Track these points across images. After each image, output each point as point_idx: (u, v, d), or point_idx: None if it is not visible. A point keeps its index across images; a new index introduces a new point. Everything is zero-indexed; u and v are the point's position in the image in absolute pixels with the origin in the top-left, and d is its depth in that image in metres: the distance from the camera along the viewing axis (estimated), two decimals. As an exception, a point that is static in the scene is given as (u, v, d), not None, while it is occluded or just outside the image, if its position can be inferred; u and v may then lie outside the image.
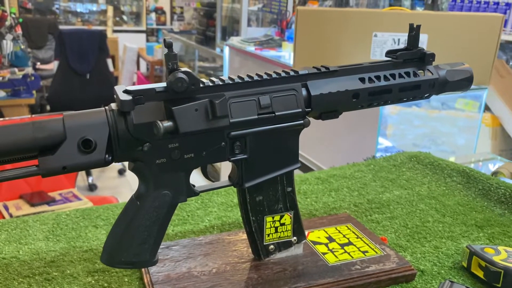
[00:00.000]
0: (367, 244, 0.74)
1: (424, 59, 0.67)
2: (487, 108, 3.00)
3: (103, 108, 0.53)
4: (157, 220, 0.58)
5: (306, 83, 0.61)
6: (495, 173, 1.09)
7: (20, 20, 3.75)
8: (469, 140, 2.57)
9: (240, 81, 0.58)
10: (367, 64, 0.65)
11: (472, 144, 2.49)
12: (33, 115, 2.20)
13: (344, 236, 0.76)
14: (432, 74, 0.68)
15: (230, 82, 0.57)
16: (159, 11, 7.12)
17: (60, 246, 0.73)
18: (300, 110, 0.60)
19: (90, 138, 0.51)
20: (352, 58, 2.11)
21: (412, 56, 0.67)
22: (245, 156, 0.60)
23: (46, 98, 3.97)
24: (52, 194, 2.14)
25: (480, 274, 0.69)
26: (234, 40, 3.23)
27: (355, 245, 0.73)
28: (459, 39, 1.94)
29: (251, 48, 2.97)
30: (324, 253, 0.71)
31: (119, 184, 4.02)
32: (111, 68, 4.14)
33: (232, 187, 0.64)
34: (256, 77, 0.59)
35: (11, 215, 1.94)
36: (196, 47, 4.19)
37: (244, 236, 0.74)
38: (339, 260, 0.69)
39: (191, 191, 0.60)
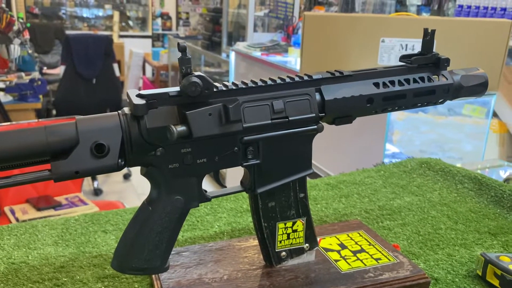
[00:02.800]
0: (380, 252, 0.72)
1: (438, 64, 0.66)
2: (494, 115, 2.98)
3: (116, 112, 0.53)
4: (169, 226, 0.57)
5: (320, 88, 0.60)
6: (507, 180, 1.08)
7: (28, 25, 3.77)
8: (477, 147, 2.55)
9: (253, 85, 0.57)
10: (381, 69, 0.65)
11: (479, 150, 2.47)
12: (40, 119, 2.21)
13: (356, 243, 0.75)
14: (447, 79, 0.67)
15: (243, 86, 0.57)
16: (165, 16, 7.15)
17: (69, 251, 0.73)
18: (314, 115, 0.60)
19: (103, 143, 0.50)
20: (360, 64, 2.10)
21: (426, 61, 0.66)
22: (258, 161, 0.59)
23: (52, 102, 3.99)
24: (59, 199, 2.14)
25: (496, 282, 0.68)
26: (240, 46, 3.23)
27: (367, 252, 0.72)
28: (467, 45, 1.93)
29: (257, 54, 2.96)
30: (336, 260, 0.69)
31: (125, 188, 4.02)
32: (117, 73, 4.16)
33: (243, 193, 0.63)
34: (269, 82, 0.58)
35: (17, 219, 1.94)
36: (202, 52, 4.20)
37: (255, 242, 0.73)
38: (352, 268, 0.68)
39: (203, 197, 0.59)
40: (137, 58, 5.68)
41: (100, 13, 7.08)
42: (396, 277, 0.66)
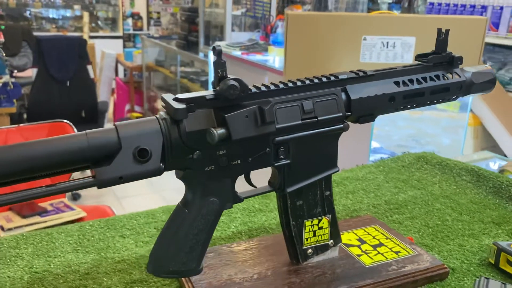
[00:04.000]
0: (398, 245, 0.75)
1: (452, 62, 0.69)
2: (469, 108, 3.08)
3: (154, 117, 0.53)
4: (205, 228, 0.58)
5: (346, 88, 0.62)
6: (501, 171, 1.13)
7: (2, 27, 3.66)
8: (454, 140, 2.63)
9: (284, 86, 0.58)
10: (400, 68, 0.67)
11: (456, 143, 2.55)
12: (20, 125, 2.16)
13: (373, 237, 0.77)
14: (460, 76, 0.70)
15: (275, 88, 0.58)
16: (135, 16, 7.05)
17: (91, 258, 0.72)
18: (341, 114, 0.61)
19: (146, 147, 0.50)
20: (342, 62, 2.14)
21: (441, 59, 0.68)
22: (288, 161, 0.61)
23: (25, 106, 3.88)
24: (43, 205, 2.09)
25: (510, 269, 0.71)
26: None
27: (386, 246, 0.74)
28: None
29: (237, 53, 2.97)
30: (359, 255, 0.71)
31: (103, 193, 3.96)
32: (92, 75, 4.08)
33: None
34: (299, 83, 0.59)
35: (2, 228, 1.89)
36: (178, 52, 4.17)
37: (276, 241, 0.74)
38: (375, 262, 0.70)
39: (237, 198, 0.60)
40: (109, 59, 5.57)
41: (68, 13, 6.92)
42: (417, 269, 0.69)
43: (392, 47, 2.11)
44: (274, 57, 2.91)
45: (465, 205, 0.95)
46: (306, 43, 2.11)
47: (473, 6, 3.43)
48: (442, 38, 0.68)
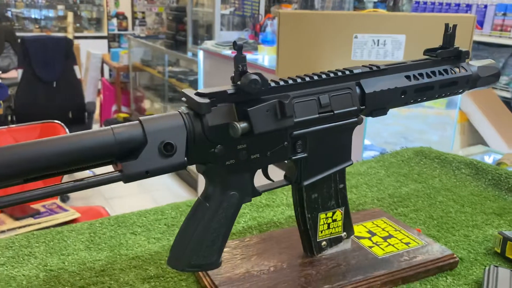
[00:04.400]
0: (407, 236, 0.76)
1: (460, 56, 0.71)
2: (456, 104, 3.13)
3: (177, 112, 0.53)
4: (226, 221, 0.58)
5: (360, 82, 0.63)
6: (498, 164, 1.15)
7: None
8: (441, 136, 2.67)
9: (301, 81, 0.59)
10: (410, 62, 0.68)
11: (444, 139, 2.59)
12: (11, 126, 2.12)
13: (383, 229, 0.78)
14: (466, 70, 0.72)
15: (292, 82, 0.59)
16: (120, 16, 6.99)
17: (104, 255, 0.72)
18: (356, 108, 0.63)
19: (171, 142, 0.51)
20: (334, 60, 2.15)
21: (449, 54, 0.70)
22: (305, 154, 0.62)
23: (12, 108, 3.82)
24: (36, 207, 2.07)
25: (516, 258, 0.73)
26: (208, 44, 3.22)
27: (396, 238, 0.76)
28: (435, 39, 2.01)
29: (227, 52, 2.97)
30: (370, 247, 0.73)
31: (91, 194, 3.92)
32: (78, 76, 4.04)
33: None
34: (315, 77, 0.60)
35: (-5, 230, 1.86)
36: (166, 52, 4.15)
37: (287, 234, 0.75)
38: (387, 253, 0.71)
39: (255, 191, 0.60)
40: (95, 60, 5.52)
41: (51, 14, 6.84)
42: (428, 259, 0.70)
43: (383, 45, 2.13)
44: (264, 56, 2.92)
45: (466, 197, 0.97)
46: (298, 42, 2.12)
47: (458, 5, 3.49)
48: (449, 33, 0.70)
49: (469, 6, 3.41)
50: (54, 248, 0.74)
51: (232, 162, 0.57)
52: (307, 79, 0.60)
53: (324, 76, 0.61)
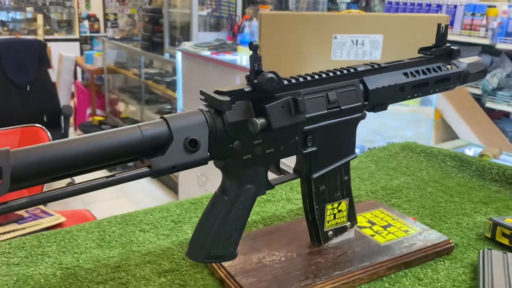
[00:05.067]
0: (405, 224, 0.81)
1: (451, 54, 0.76)
2: (429, 102, 3.24)
3: (199, 109, 0.56)
4: (242, 213, 0.61)
5: (363, 79, 0.67)
6: (481, 156, 1.21)
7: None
8: (416, 133, 2.76)
9: (311, 78, 0.63)
10: (407, 60, 0.73)
11: (418, 136, 2.67)
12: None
13: (381, 219, 0.83)
14: (458, 67, 0.77)
15: (303, 80, 0.62)
16: (92, 18, 6.90)
17: (117, 252, 0.74)
18: (360, 103, 0.66)
19: (195, 138, 0.53)
20: (315, 60, 2.20)
21: (442, 52, 0.75)
22: (315, 148, 0.65)
23: (-16, 112, 3.73)
24: (19, 212, 2.04)
25: (506, 241, 0.79)
26: (186, 45, 3.23)
27: (395, 226, 0.80)
28: (411, 38, 2.09)
29: (206, 53, 2.99)
30: (372, 235, 0.77)
31: (70, 199, 3.85)
32: (53, 79, 3.98)
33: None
34: (323, 75, 0.64)
35: (-21, 237, 1.83)
36: (143, 53, 4.13)
37: (292, 227, 0.79)
38: (388, 240, 0.75)
39: (269, 184, 0.63)
40: (68, 63, 5.43)
41: (19, 16, 6.68)
42: (427, 245, 0.75)
43: (361, 45, 2.19)
44: (241, 57, 2.95)
45: (453, 188, 1.03)
46: (279, 42, 2.16)
47: (429, 5, 3.60)
48: (442, 32, 0.74)
49: (439, 7, 3.52)
50: (66, 247, 0.75)
51: (249, 157, 0.60)
52: (316, 76, 0.63)
53: (331, 74, 0.64)
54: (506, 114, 3.37)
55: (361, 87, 0.67)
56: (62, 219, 1.99)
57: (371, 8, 4.61)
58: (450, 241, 0.77)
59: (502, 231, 0.79)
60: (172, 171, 0.52)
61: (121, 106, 5.38)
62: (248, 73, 0.58)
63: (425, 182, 1.06)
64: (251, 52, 0.56)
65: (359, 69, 0.67)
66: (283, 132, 0.61)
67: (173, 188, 3.71)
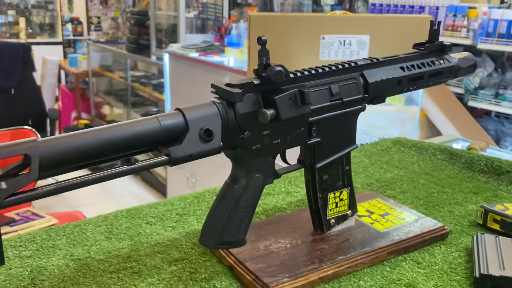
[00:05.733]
0: (401, 213, 0.84)
1: (444, 49, 0.80)
2: (414, 101, 3.31)
3: (211, 101, 0.59)
4: (252, 201, 0.64)
5: (363, 72, 0.71)
6: (469, 149, 1.26)
7: None
8: (402, 132, 2.82)
9: (315, 72, 0.66)
10: (402, 55, 0.76)
11: (404, 134, 2.73)
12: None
13: (379, 208, 0.86)
14: (450, 62, 0.81)
15: (307, 73, 0.65)
16: (75, 21, 6.85)
17: (126, 244, 0.76)
18: (361, 96, 0.70)
19: (210, 128, 0.56)
20: (303, 60, 2.24)
21: (435, 47, 0.79)
22: (319, 139, 0.68)
23: (-32, 116, 3.69)
24: (9, 215, 2.03)
25: (496, 227, 0.83)
26: (174, 47, 3.24)
27: (392, 215, 0.84)
28: (396, 39, 2.15)
29: (194, 55, 3.01)
30: (371, 223, 0.80)
31: (56, 203, 3.84)
32: (38, 82, 3.95)
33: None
34: (326, 69, 0.67)
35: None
36: (129, 56, 4.13)
37: (294, 217, 0.82)
38: (386, 227, 0.79)
39: (276, 174, 0.66)
40: (52, 66, 5.39)
41: (0, 19, 6.60)
42: (423, 231, 0.78)
43: (349, 45, 2.24)
44: (228, 58, 2.98)
45: (444, 180, 1.07)
46: (268, 43, 2.18)
47: (412, 7, 3.68)
48: (435, 29, 0.78)
49: (422, 8, 3.60)
50: (76, 239, 0.77)
51: (258, 147, 0.62)
52: (320, 70, 0.66)
53: (333, 67, 0.68)
54: (487, 113, 3.46)
55: (361, 80, 0.71)
56: (54, 221, 1.99)
57: (355, 10, 4.68)
58: (445, 227, 0.81)
59: (493, 217, 0.83)
60: (188, 160, 0.55)
61: (106, 109, 5.36)
62: (256, 67, 0.61)
63: (417, 174, 1.10)
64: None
65: (359, 63, 0.70)
66: (290, 123, 0.64)
67: (161, 190, 3.71)
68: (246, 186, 0.63)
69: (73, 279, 0.66)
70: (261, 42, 0.59)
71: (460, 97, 3.36)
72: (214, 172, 2.81)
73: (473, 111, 3.32)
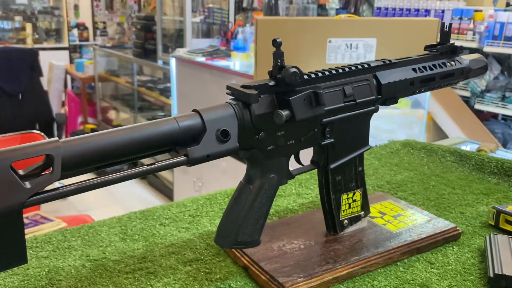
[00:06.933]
0: (413, 214, 0.85)
1: (455, 51, 0.80)
2: (420, 105, 3.31)
3: (227, 103, 0.59)
4: (267, 202, 0.64)
5: (376, 74, 0.71)
6: (478, 151, 1.26)
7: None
8: (409, 135, 2.82)
9: (329, 74, 0.66)
10: (414, 57, 0.77)
11: (411, 138, 2.73)
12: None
13: (391, 209, 0.87)
14: (461, 63, 0.81)
15: (321, 75, 0.66)
16: (81, 27, 6.90)
17: (141, 245, 0.76)
18: (374, 97, 0.70)
19: (227, 129, 0.57)
20: (310, 63, 2.25)
21: (446, 49, 0.79)
22: (332, 140, 0.69)
23: (-24, 121, 3.72)
24: (19, 218, 2.04)
25: (509, 227, 0.83)
26: (180, 52, 3.26)
27: (404, 216, 0.84)
28: (403, 41, 2.15)
29: (201, 59, 3.02)
30: (383, 224, 0.81)
31: (63, 206, 3.86)
32: (45, 87, 3.98)
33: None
34: (340, 70, 0.68)
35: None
36: (135, 60, 4.15)
37: (307, 219, 0.82)
38: (399, 228, 0.79)
39: (290, 174, 0.67)
40: (58, 71, 5.43)
41: (6, 25, 6.66)
42: (436, 231, 0.79)
43: (355, 48, 2.24)
44: (234, 62, 2.99)
45: (455, 181, 1.07)
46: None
47: (417, 10, 3.69)
48: (446, 31, 0.79)
49: (427, 11, 3.61)
50: (91, 241, 0.77)
51: (272, 147, 0.63)
52: (333, 72, 0.67)
53: (347, 69, 0.68)
54: (494, 116, 3.46)
55: (374, 81, 0.71)
56: (63, 224, 2.00)
57: (360, 14, 4.69)
58: (457, 228, 0.81)
59: (506, 218, 0.84)
60: (206, 160, 0.56)
61: (112, 114, 5.38)
62: (271, 69, 0.62)
63: (427, 176, 1.10)
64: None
65: (372, 64, 0.71)
66: (304, 124, 0.64)
67: (167, 194, 3.72)
68: (261, 186, 0.64)
69: (90, 279, 0.66)
70: (276, 44, 0.60)
71: (466, 100, 3.36)
72: (220, 175, 2.82)
73: (480, 114, 3.32)
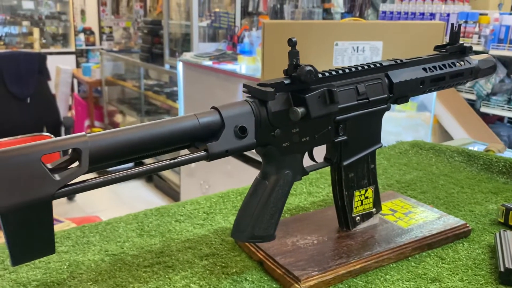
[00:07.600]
0: (424, 211, 0.86)
1: (464, 51, 0.82)
2: (425, 108, 3.32)
3: (245, 100, 0.61)
4: (282, 197, 0.66)
5: (388, 73, 0.73)
6: (486, 151, 1.28)
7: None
8: (414, 138, 2.82)
9: (342, 72, 0.68)
10: (425, 57, 0.79)
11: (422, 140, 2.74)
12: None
13: (402, 207, 0.88)
14: (470, 63, 0.83)
15: (335, 73, 0.68)
16: (87, 31, 6.96)
17: (158, 240, 0.78)
18: (386, 96, 0.72)
19: (245, 125, 0.59)
20: (317, 66, 2.26)
21: (456, 49, 0.81)
22: (345, 137, 0.70)
23: (-15, 125, 3.76)
24: (29, 219, 2.06)
25: (518, 225, 0.84)
26: (187, 56, 3.29)
27: (415, 213, 0.86)
28: (409, 44, 2.17)
29: (208, 63, 3.05)
30: (395, 221, 0.82)
31: (70, 209, 3.88)
32: (53, 91, 4.02)
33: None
34: (353, 69, 0.69)
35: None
36: (142, 65, 4.19)
37: (319, 216, 0.84)
38: (410, 225, 0.81)
39: (304, 171, 0.69)
40: (65, 75, 5.48)
41: (13, 30, 6.72)
42: (446, 228, 0.80)
43: (362, 51, 2.26)
44: (241, 66, 3.01)
45: (463, 181, 1.08)
46: (282, 50, 2.21)
47: (422, 14, 3.70)
48: (455, 31, 0.81)
49: (433, 15, 3.63)
50: (109, 236, 0.79)
51: (287, 144, 0.65)
52: (347, 70, 0.69)
53: (360, 68, 0.70)
54: (500, 119, 3.46)
55: (386, 80, 0.73)
56: (73, 225, 2.02)
57: (365, 18, 4.71)
58: (467, 224, 0.82)
59: (515, 215, 0.85)
60: (225, 155, 0.58)
61: (119, 118, 5.42)
62: (287, 67, 0.64)
63: (436, 176, 1.12)
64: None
65: (384, 64, 0.72)
66: (318, 121, 0.66)
67: (174, 197, 3.74)
68: (276, 182, 0.65)
69: (110, 273, 0.68)
70: (292, 43, 0.62)
71: (472, 103, 3.36)
72: (225, 178, 2.83)
73: (486, 117, 3.32)
